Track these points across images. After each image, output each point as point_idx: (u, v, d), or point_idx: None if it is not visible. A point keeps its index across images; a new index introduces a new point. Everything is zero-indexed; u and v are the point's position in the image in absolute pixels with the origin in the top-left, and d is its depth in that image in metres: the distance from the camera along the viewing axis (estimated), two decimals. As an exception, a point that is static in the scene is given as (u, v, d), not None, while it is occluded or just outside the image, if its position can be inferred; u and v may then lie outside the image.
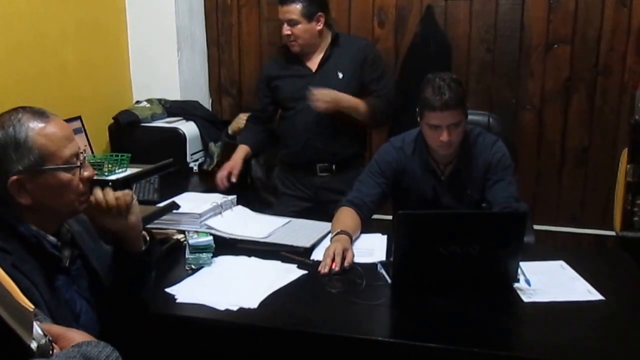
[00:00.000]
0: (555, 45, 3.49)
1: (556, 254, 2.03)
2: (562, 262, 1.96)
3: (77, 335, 1.04)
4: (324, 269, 1.86)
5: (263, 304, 1.70)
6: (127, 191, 1.51)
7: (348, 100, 2.68)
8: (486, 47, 3.57)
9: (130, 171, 2.65)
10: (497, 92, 3.61)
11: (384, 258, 1.94)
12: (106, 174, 2.82)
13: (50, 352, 0.98)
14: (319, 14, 2.70)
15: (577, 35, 3.45)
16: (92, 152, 3.11)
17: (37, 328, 0.97)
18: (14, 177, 1.34)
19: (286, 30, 2.71)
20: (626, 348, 1.50)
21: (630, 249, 3.28)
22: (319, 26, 2.72)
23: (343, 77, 2.73)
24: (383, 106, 2.77)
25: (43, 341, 0.97)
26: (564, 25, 3.45)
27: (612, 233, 3.60)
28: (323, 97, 2.62)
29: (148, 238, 1.61)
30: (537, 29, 3.49)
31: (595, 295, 1.74)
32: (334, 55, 2.77)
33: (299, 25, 2.68)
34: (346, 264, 1.89)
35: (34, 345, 0.94)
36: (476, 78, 3.60)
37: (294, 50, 2.76)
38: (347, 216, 2.18)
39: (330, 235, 2.07)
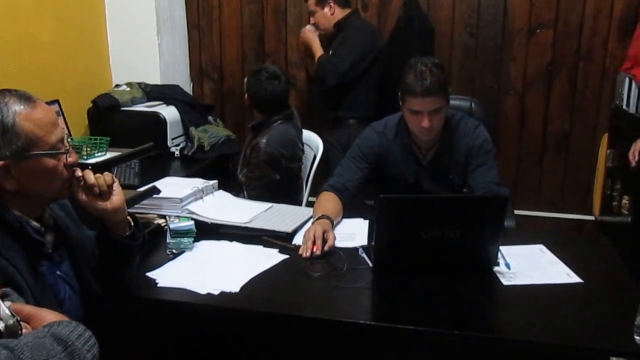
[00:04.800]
0: (538, 30, 3.50)
1: (536, 238, 2.05)
2: (541, 246, 1.98)
3: (48, 315, 1.02)
4: (305, 253, 1.86)
5: (244, 288, 1.70)
6: (106, 173, 1.50)
7: (315, 47, 3.32)
8: (469, 31, 3.57)
9: (109, 155, 2.61)
10: (479, 77, 3.62)
11: (365, 242, 1.94)
12: (85, 157, 2.77)
13: (20, 332, 0.96)
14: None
15: (559, 20, 3.47)
16: (71, 136, 3.06)
17: (4, 308, 0.96)
18: (1, 163, 1.32)
19: (311, 21, 3.41)
20: (604, 329, 1.52)
21: (609, 233, 3.33)
22: (330, 11, 3.28)
23: (330, 53, 3.23)
24: (326, 66, 3.18)
25: (11, 321, 0.96)
26: (547, 10, 3.46)
27: (592, 217, 3.65)
28: (303, 34, 3.36)
29: (132, 223, 1.60)
30: (520, 13, 3.50)
31: (574, 278, 1.76)
32: (337, 37, 3.26)
33: (317, 14, 3.31)
34: (327, 247, 1.88)
35: (1, 325, 0.92)
36: (459, 63, 3.61)
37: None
38: (328, 201, 2.17)
39: (311, 220, 2.06)
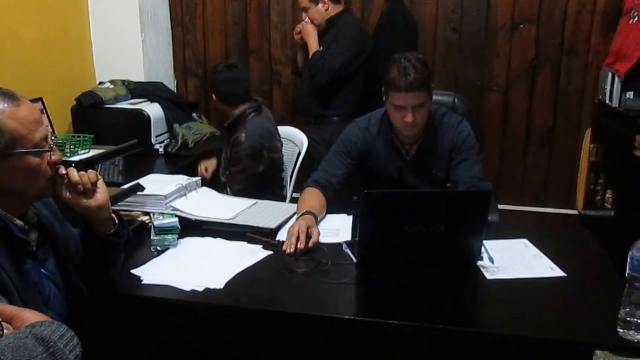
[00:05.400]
0: (522, 26, 3.52)
1: (520, 232, 2.06)
2: (525, 241, 1.99)
3: (31, 316, 1.02)
4: (289, 249, 1.85)
5: (229, 284, 1.69)
6: (90, 171, 1.49)
7: (312, 42, 3.26)
8: (453, 27, 3.59)
9: (93, 152, 2.60)
10: (463, 73, 3.64)
11: (349, 238, 1.94)
12: (69, 155, 2.76)
13: (1, 333, 0.96)
14: None
15: (542, 16, 3.49)
16: (55, 134, 3.04)
17: None
18: None
19: (304, 17, 3.31)
20: (588, 323, 1.53)
21: (592, 227, 3.36)
22: (324, 7, 3.25)
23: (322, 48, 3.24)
24: (319, 63, 3.17)
25: None
26: (530, 5, 3.48)
27: (576, 212, 3.68)
28: (305, 27, 3.30)
29: (117, 220, 1.59)
30: (503, 9, 3.51)
31: (558, 272, 1.77)
32: (327, 33, 3.25)
33: (310, 10, 3.26)
34: (311, 243, 1.88)
35: None
36: (442, 58, 3.62)
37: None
38: (312, 197, 2.17)
39: (295, 216, 2.06)
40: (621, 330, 1.42)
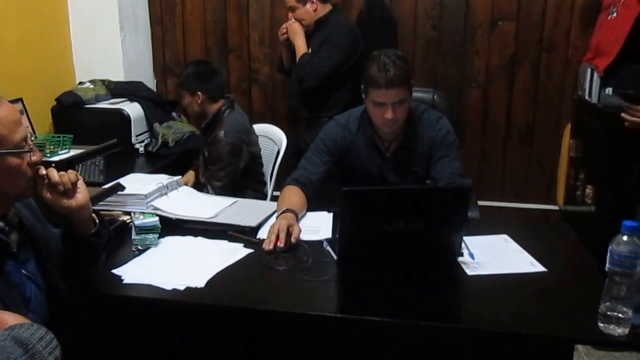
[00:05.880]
0: (500, 22, 3.54)
1: (500, 228, 2.07)
2: (505, 236, 2.00)
3: (10, 318, 1.01)
4: (268, 246, 1.85)
5: (210, 283, 1.69)
6: (70, 171, 1.49)
7: (299, 43, 3.18)
8: (432, 24, 3.60)
9: (73, 152, 2.58)
10: (442, 69, 3.65)
11: (330, 235, 1.94)
12: (48, 155, 2.74)
13: None
14: None
15: (521, 12, 3.51)
16: (34, 134, 3.01)
17: None
18: None
19: (290, 17, 3.22)
20: (568, 318, 1.54)
21: (573, 223, 3.39)
22: (313, 7, 3.18)
23: (310, 50, 3.17)
24: (308, 65, 3.10)
25: None
26: (509, 1, 3.51)
27: (556, 207, 3.71)
28: (291, 27, 3.20)
29: (97, 220, 1.58)
30: (482, 5, 3.53)
31: (538, 267, 1.78)
32: (316, 33, 3.19)
33: (297, 10, 3.18)
34: (293, 239, 1.88)
35: None
36: (422, 55, 3.63)
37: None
38: (292, 194, 2.17)
39: (276, 214, 2.06)
40: (602, 325, 1.43)
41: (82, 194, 1.50)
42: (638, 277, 1.39)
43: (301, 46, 3.17)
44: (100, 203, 1.97)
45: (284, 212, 2.01)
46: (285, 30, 3.24)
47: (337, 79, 3.13)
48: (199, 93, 2.77)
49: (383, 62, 2.11)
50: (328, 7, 3.20)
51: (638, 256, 1.38)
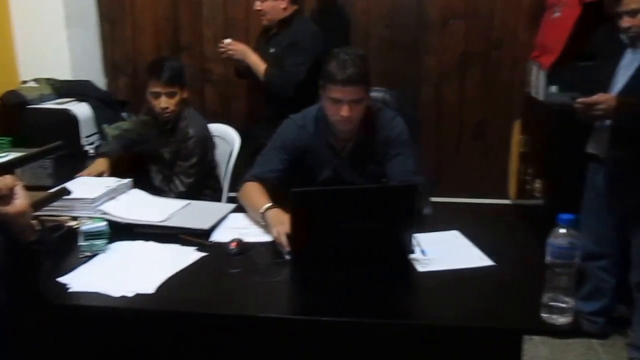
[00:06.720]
0: (451, 21, 3.59)
1: (452, 224, 2.09)
2: (456, 232, 2.03)
3: None
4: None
5: (161, 288, 1.65)
6: (7, 176, 1.42)
7: (254, 61, 3.08)
8: (384, 23, 3.62)
9: (13, 155, 2.48)
10: (396, 68, 3.68)
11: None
12: (-18, 159, 2.64)
13: None
14: None
15: (470, 11, 3.57)
16: (-26, 137, 2.91)
17: None
18: None
19: (257, 5, 3.10)
20: (516, 309, 1.57)
21: (524, 216, 3.48)
22: (283, 4, 3.06)
23: (273, 51, 3.10)
24: (282, 78, 3.02)
25: None
26: (458, 1, 3.55)
27: (509, 202, 3.79)
28: (237, 48, 3.09)
29: (39, 227, 1.52)
30: (433, 4, 3.58)
31: (487, 262, 1.81)
32: (280, 34, 3.12)
33: (267, 2, 3.05)
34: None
35: None
36: (375, 54, 3.66)
37: (263, 23, 3.16)
38: (260, 190, 2.15)
39: (260, 210, 2.01)
40: (545, 315, 1.47)
41: (21, 200, 1.44)
42: (577, 267, 1.45)
43: (257, 62, 3.09)
44: (46, 208, 1.91)
45: (269, 208, 1.99)
46: (226, 49, 3.13)
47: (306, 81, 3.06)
48: (184, 90, 2.73)
49: (342, 59, 2.10)
50: (294, 8, 3.13)
51: (575, 247, 1.43)
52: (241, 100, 3.77)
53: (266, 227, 1.99)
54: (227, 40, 3.11)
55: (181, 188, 2.64)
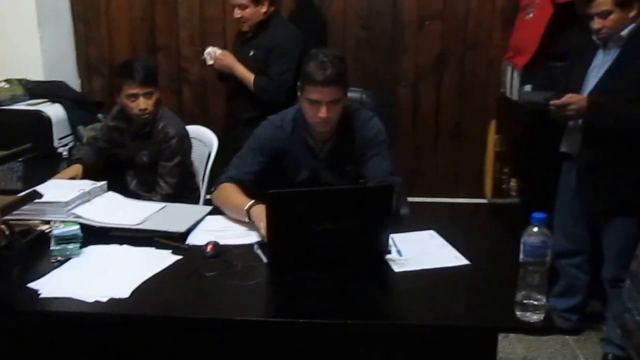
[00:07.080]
0: (427, 22, 3.61)
1: (428, 223, 2.10)
2: (431, 232, 2.03)
3: None
4: None
5: (135, 292, 1.63)
6: None
7: (241, 71, 3.10)
8: (361, 23, 3.63)
9: (-22, 159, 2.44)
10: (373, 68, 3.69)
11: (260, 239, 1.92)
12: (-50, 163, 2.60)
13: None
14: None
15: (446, 12, 3.60)
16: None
17: None
18: None
19: (237, 14, 3.09)
20: (490, 308, 1.59)
21: (500, 215, 3.51)
22: (264, 9, 3.07)
23: (253, 54, 3.11)
24: (270, 86, 3.05)
25: None
26: (434, 2, 3.58)
27: (485, 201, 3.82)
28: (223, 58, 3.13)
29: (8, 232, 1.50)
30: (409, 5, 3.59)
31: (462, 261, 1.83)
32: (258, 37, 3.13)
33: (248, 9, 3.05)
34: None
35: None
36: (352, 54, 3.66)
37: (243, 29, 3.16)
38: (237, 190, 2.15)
39: (245, 208, 2.01)
40: (518, 313, 1.48)
41: None
42: (549, 265, 1.46)
43: (244, 72, 3.10)
44: (16, 212, 1.88)
45: (253, 205, 1.99)
46: (214, 62, 3.15)
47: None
48: (157, 89, 2.72)
49: (321, 60, 2.10)
50: (272, 9, 3.13)
51: (548, 245, 1.44)
52: (219, 101, 3.75)
53: (251, 225, 1.99)
54: (215, 51, 3.13)
55: (167, 190, 2.63)
